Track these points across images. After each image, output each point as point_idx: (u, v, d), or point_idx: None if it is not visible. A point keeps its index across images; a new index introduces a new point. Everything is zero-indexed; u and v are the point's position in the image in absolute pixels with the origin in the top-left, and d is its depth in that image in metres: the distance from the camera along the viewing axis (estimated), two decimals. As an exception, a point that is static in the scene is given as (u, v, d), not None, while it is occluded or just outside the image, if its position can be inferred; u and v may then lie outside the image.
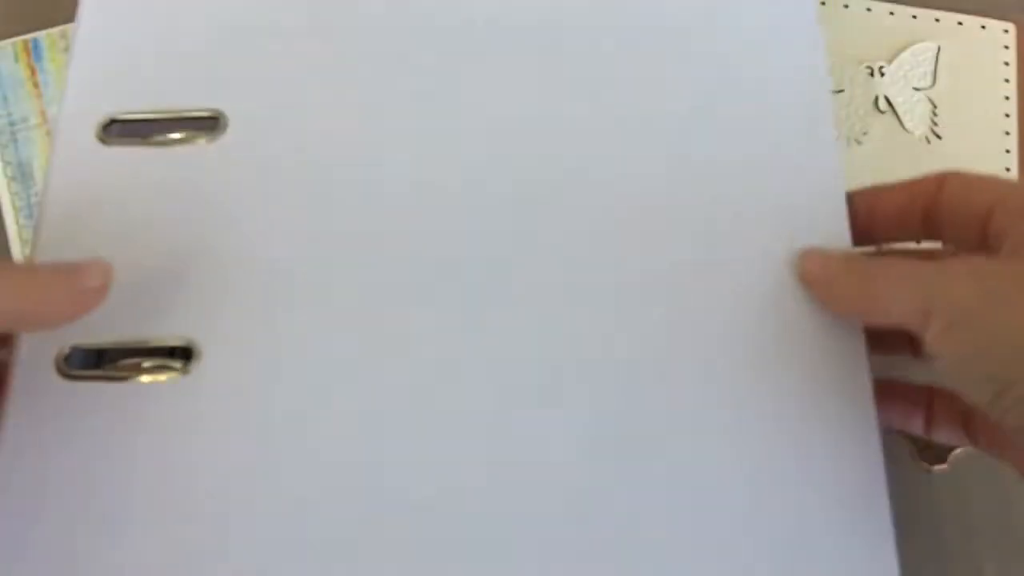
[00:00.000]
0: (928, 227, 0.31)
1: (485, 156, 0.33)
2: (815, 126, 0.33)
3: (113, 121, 0.33)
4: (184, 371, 0.30)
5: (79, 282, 0.30)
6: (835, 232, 0.31)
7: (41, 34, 0.43)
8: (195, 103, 0.33)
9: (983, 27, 0.45)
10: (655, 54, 0.34)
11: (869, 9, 0.45)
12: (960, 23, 0.45)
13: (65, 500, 0.28)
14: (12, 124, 0.42)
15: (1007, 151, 0.43)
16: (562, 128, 0.33)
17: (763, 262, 0.31)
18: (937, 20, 0.45)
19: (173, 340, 0.30)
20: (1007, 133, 0.44)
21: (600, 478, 0.29)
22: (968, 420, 0.31)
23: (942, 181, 0.30)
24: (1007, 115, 0.44)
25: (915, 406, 0.32)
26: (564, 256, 0.31)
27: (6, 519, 0.28)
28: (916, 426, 0.32)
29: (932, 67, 0.44)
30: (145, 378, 0.30)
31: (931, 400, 0.32)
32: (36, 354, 0.30)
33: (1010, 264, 0.26)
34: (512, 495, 0.29)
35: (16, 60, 0.42)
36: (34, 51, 0.42)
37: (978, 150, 0.43)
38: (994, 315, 0.25)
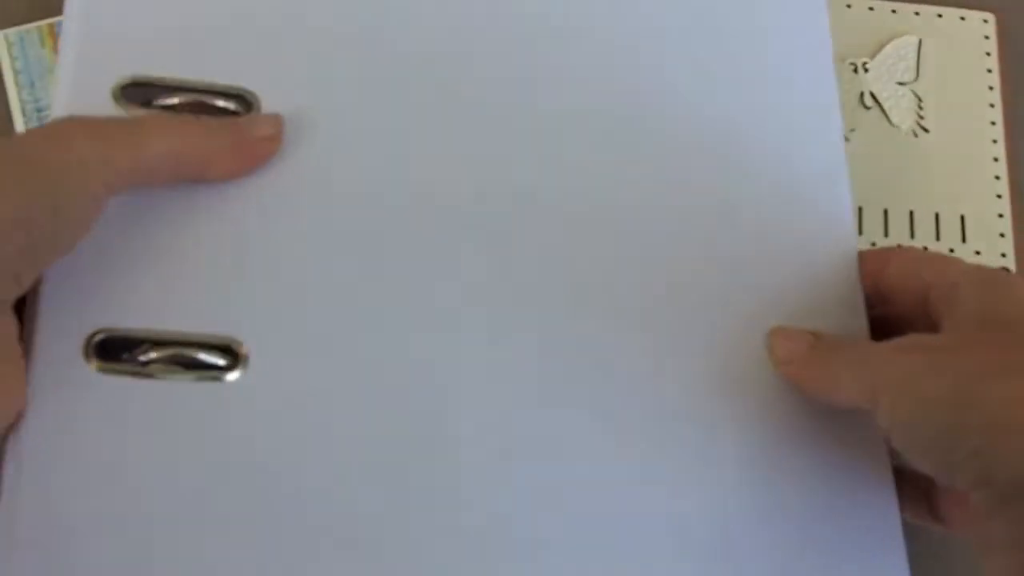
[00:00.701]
0: (878, 298, 0.32)
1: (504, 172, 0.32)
2: (831, 200, 0.33)
3: (133, 84, 0.30)
4: (220, 378, 0.28)
5: (247, 130, 0.29)
6: (848, 298, 0.32)
7: (66, 17, 0.41)
8: (224, 79, 0.30)
9: (962, 19, 0.45)
10: (673, 110, 0.34)
11: (849, 6, 0.45)
12: (940, 15, 0.45)
13: (87, 500, 0.27)
14: (39, 111, 0.40)
15: (994, 141, 0.43)
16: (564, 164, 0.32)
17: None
18: (917, 13, 0.45)
19: (212, 338, 0.28)
20: (993, 123, 0.44)
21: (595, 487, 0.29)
22: (933, 499, 0.31)
23: (888, 257, 0.32)
24: (991, 105, 0.44)
25: None
26: (578, 304, 0.31)
27: (28, 507, 0.26)
28: None
29: (915, 61, 0.44)
30: (182, 379, 0.28)
31: (897, 483, 0.32)
32: (61, 336, 0.27)
33: (945, 338, 0.28)
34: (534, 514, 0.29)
35: (42, 45, 0.40)
36: (60, 35, 0.41)
37: (965, 141, 0.43)
38: (934, 381, 0.26)
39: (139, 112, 0.30)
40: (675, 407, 0.30)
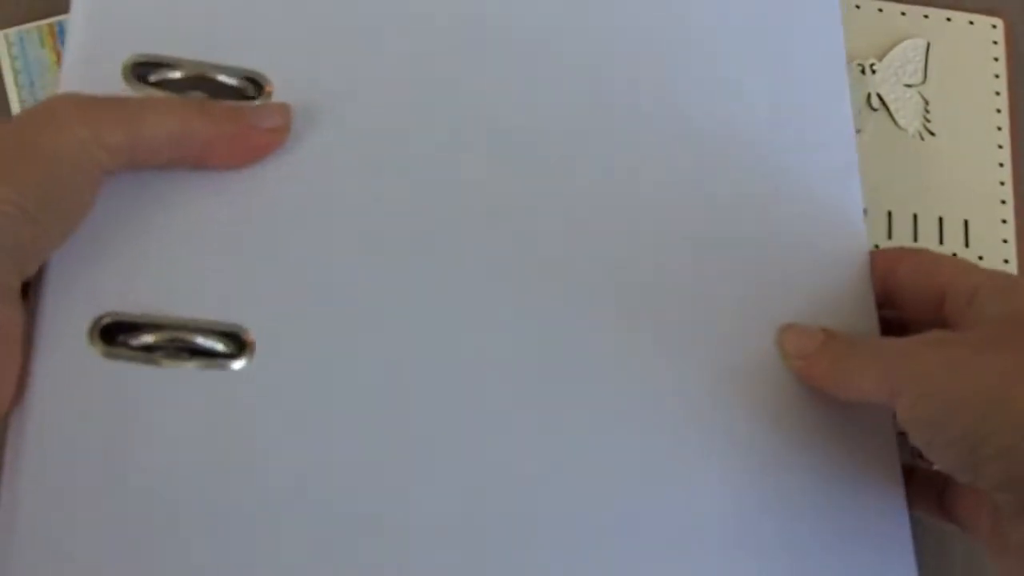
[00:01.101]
0: (887, 297, 0.32)
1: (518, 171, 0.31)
2: (844, 192, 0.33)
3: (144, 63, 0.29)
4: (225, 366, 0.27)
5: (253, 120, 0.28)
6: (859, 295, 0.32)
7: (66, 17, 0.41)
8: (236, 60, 0.30)
9: (971, 23, 0.45)
10: (686, 108, 0.33)
11: (858, 6, 0.45)
12: (948, 19, 0.45)
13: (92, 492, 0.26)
14: None
15: (999, 146, 0.43)
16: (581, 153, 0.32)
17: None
18: (926, 16, 0.45)
19: (218, 325, 0.27)
20: (999, 128, 0.44)
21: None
22: (946, 498, 0.31)
23: (900, 258, 0.32)
24: (998, 110, 0.44)
25: None
26: (589, 317, 0.30)
27: (29, 493, 0.25)
28: None
29: (923, 63, 0.44)
30: (188, 366, 0.27)
31: (908, 479, 0.32)
32: (67, 319, 0.27)
33: (969, 337, 0.28)
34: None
35: (42, 45, 0.40)
36: (60, 35, 0.40)
37: (971, 146, 0.43)
38: (959, 379, 0.26)
39: (151, 92, 0.29)
40: (685, 406, 0.30)
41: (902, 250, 0.33)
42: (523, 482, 0.28)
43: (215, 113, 0.28)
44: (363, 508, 0.27)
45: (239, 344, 0.28)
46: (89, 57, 0.29)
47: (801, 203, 0.32)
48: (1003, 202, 0.42)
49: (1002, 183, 0.43)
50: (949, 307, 0.29)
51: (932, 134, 0.43)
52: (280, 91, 0.30)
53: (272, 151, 0.28)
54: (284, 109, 0.29)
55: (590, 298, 0.30)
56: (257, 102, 0.29)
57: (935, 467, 0.28)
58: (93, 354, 0.27)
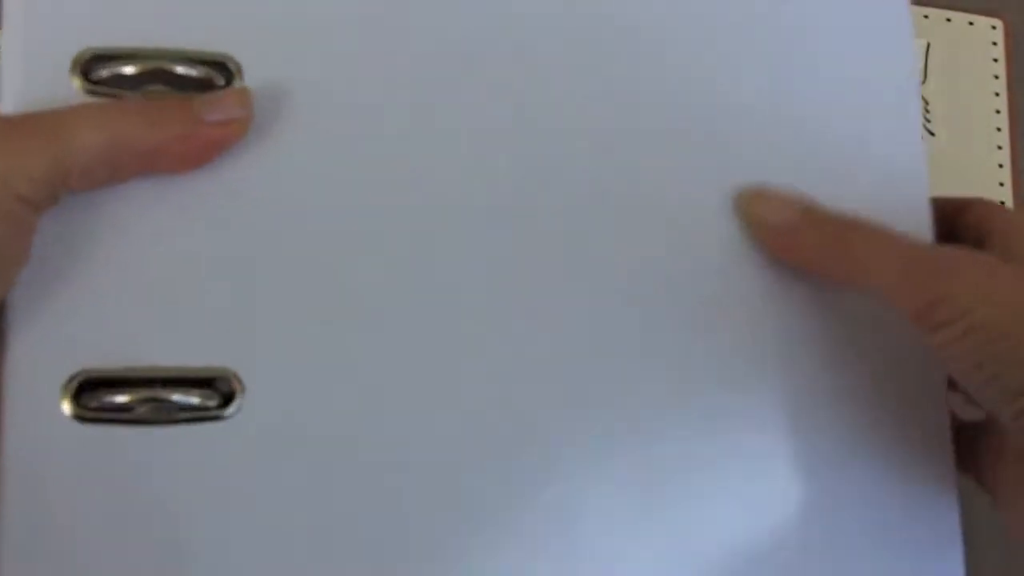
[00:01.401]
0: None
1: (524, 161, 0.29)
2: (903, 123, 0.31)
3: (96, 57, 0.25)
4: (214, 416, 0.25)
5: (200, 114, 0.24)
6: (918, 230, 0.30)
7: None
8: (202, 44, 0.26)
9: (971, 24, 0.45)
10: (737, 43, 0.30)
11: (858, 6, 0.45)
12: (948, 19, 0.45)
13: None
14: None
15: (999, 147, 0.43)
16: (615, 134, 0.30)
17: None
18: (926, 16, 0.45)
19: (202, 371, 0.25)
20: (998, 129, 0.44)
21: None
22: (969, 452, 0.30)
23: (966, 206, 0.29)
24: (997, 111, 0.44)
25: None
26: (609, 272, 0.28)
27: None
28: None
29: (923, 64, 0.44)
30: (174, 422, 0.25)
31: None
32: (36, 383, 0.24)
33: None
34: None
35: None
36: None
37: (971, 146, 0.43)
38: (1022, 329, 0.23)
39: (105, 91, 0.25)
40: (725, 398, 0.28)
41: (967, 199, 0.30)
42: (533, 497, 0.27)
43: (157, 114, 0.24)
44: (373, 535, 0.26)
45: (226, 392, 0.25)
46: (31, 56, 0.25)
47: (859, 155, 0.30)
48: (1002, 203, 0.43)
49: (1001, 184, 0.43)
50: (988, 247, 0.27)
51: (932, 134, 0.43)
52: (252, 75, 0.26)
53: (230, 145, 0.25)
54: (241, 96, 0.25)
55: (627, 285, 0.28)
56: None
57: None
58: (68, 418, 0.24)
